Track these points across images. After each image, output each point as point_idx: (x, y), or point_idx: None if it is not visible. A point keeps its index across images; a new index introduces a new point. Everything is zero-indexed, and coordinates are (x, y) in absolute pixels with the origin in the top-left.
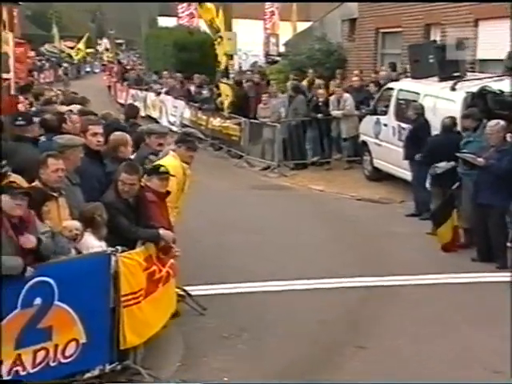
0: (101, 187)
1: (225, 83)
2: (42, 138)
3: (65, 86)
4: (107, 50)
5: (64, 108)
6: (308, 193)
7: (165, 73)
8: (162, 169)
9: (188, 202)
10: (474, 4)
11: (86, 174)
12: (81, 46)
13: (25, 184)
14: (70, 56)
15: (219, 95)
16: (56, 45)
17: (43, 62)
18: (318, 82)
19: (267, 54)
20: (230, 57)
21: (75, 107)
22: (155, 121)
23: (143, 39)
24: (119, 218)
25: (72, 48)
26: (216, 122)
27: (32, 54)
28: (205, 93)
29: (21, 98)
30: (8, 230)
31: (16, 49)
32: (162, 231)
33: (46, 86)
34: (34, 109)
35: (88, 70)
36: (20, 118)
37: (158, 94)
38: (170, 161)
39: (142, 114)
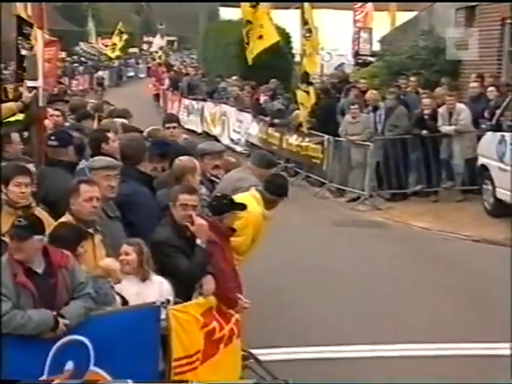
0: (153, 222)
1: (304, 90)
2: (82, 163)
3: (98, 99)
4: (161, 48)
5: (107, 124)
6: (409, 231)
7: (234, 78)
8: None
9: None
10: None
11: (137, 204)
12: (116, 40)
13: (50, 220)
14: (108, 57)
15: (297, 107)
16: (93, 43)
17: (76, 64)
18: (439, 90)
19: (357, 54)
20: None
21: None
22: (215, 139)
23: (201, 36)
24: (179, 258)
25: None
26: (292, 140)
27: (62, 54)
28: (278, 103)
29: (50, 110)
30: (17, 275)
31: (46, 49)
32: (209, 278)
33: (88, 99)
34: (67, 124)
35: (131, 74)
36: (53, 138)
37: (224, 102)
38: (251, 204)
39: (199, 130)
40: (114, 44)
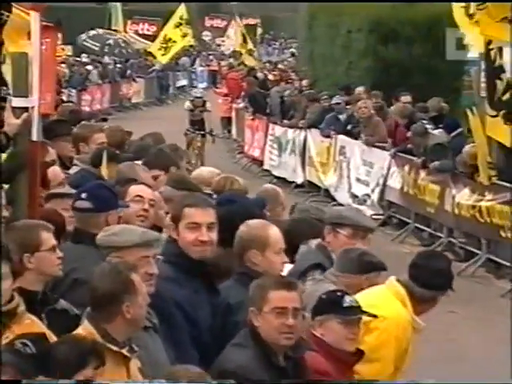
0: (204, 338)
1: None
2: None
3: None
4: (245, 45)
5: (127, 171)
6: None
7: (360, 89)
8: (349, 300)
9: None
10: None
11: (178, 307)
12: (174, 33)
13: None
14: (147, 54)
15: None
16: (119, 31)
17: (89, 67)
18: None
19: None
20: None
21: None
22: (325, 193)
23: (303, 18)
24: None
25: (152, 38)
26: (462, 197)
27: (67, 49)
28: (437, 134)
29: (50, 149)
30: None
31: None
32: None
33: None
34: (72, 170)
35: (183, 83)
36: (84, 195)
37: (342, 131)
38: (391, 304)
39: (298, 179)
40: (169, 40)
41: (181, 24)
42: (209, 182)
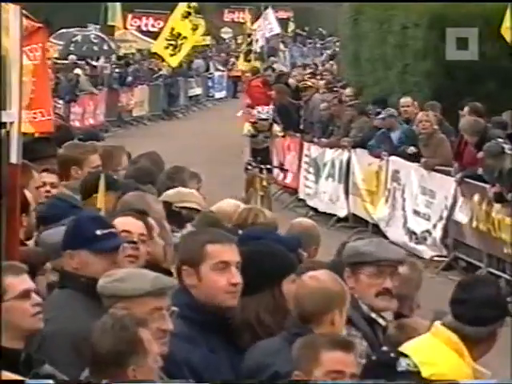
0: None
1: None
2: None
3: None
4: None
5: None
6: None
7: (407, 100)
8: (405, 364)
9: None
10: None
11: (197, 370)
12: (179, 24)
13: None
14: (152, 55)
15: None
16: (118, 27)
17: (77, 71)
18: None
19: None
20: None
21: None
22: (374, 229)
23: (347, 12)
24: None
25: (155, 35)
26: None
27: (53, 50)
28: None
29: (35, 173)
30: None
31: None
32: None
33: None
34: (57, 198)
35: (196, 91)
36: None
37: (394, 152)
38: (442, 355)
39: (341, 211)
40: (179, 36)
41: (189, 14)
42: (231, 216)
